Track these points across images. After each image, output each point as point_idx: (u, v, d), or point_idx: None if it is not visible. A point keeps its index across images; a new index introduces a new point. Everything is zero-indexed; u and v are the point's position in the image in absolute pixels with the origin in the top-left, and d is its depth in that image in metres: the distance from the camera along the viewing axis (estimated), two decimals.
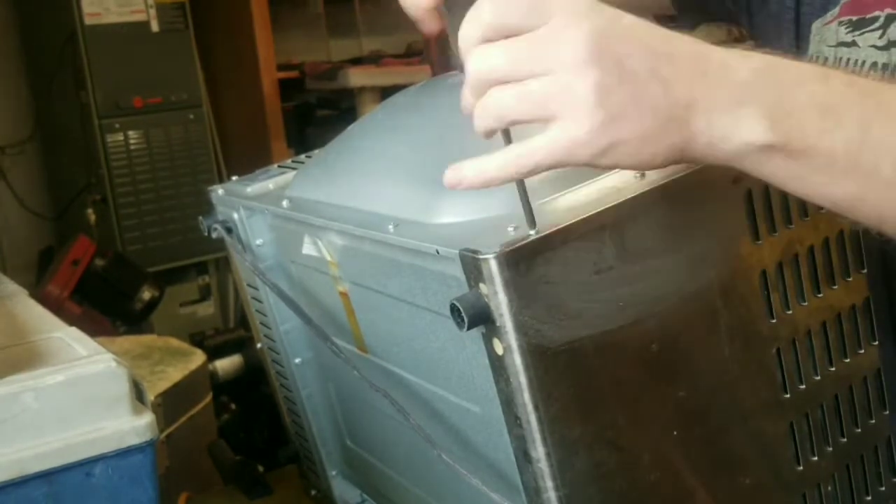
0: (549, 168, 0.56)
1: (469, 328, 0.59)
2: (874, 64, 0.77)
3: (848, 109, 0.57)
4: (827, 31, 0.81)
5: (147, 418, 0.71)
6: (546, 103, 0.54)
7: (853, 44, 0.79)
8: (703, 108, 0.55)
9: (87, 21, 2.83)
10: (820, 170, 0.57)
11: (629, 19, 0.56)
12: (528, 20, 0.54)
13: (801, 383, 0.72)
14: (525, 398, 0.60)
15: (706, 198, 0.67)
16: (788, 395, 0.71)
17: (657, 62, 0.55)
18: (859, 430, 0.75)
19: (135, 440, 0.70)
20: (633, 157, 0.55)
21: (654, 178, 0.64)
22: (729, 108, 0.55)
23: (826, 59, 0.81)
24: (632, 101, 0.54)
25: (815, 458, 0.73)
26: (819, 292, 0.72)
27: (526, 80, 0.54)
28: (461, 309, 0.59)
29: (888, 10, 0.76)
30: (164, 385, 1.40)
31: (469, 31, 0.56)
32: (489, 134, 0.57)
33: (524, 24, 0.54)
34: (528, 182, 0.59)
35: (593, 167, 0.57)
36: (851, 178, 0.57)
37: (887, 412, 0.76)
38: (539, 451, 0.61)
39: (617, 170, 0.64)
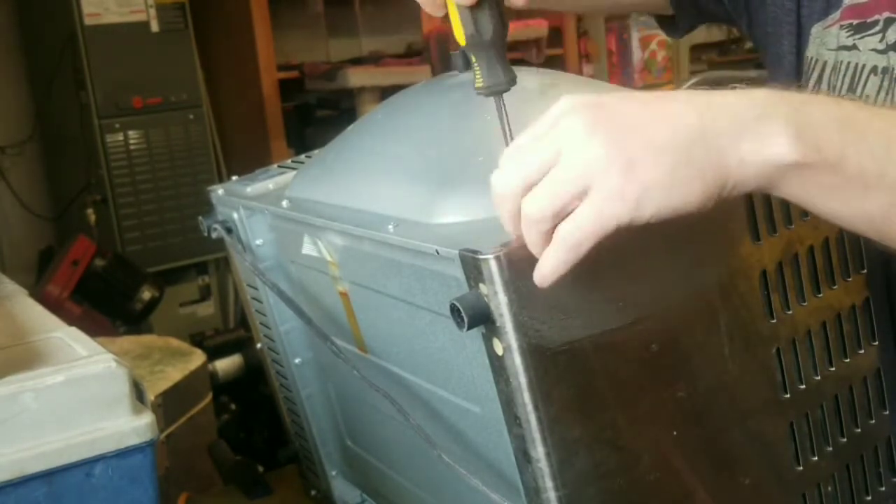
0: (600, 237, 0.56)
1: (469, 328, 0.59)
2: (874, 67, 0.77)
3: (868, 122, 0.57)
4: (827, 34, 0.82)
5: (147, 418, 0.71)
6: (572, 180, 0.55)
7: (854, 47, 0.79)
8: (716, 132, 0.55)
9: (87, 21, 2.83)
10: (852, 182, 0.57)
11: (616, 99, 0.58)
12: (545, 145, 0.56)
13: (801, 383, 0.72)
14: (525, 398, 0.60)
15: None
16: (788, 395, 0.71)
17: (654, 106, 0.56)
18: (859, 430, 0.75)
19: (135, 440, 0.70)
20: (668, 198, 0.55)
21: None
22: (752, 127, 0.56)
23: (826, 62, 0.81)
24: (643, 144, 0.55)
25: (815, 458, 0.73)
26: (819, 292, 0.72)
27: (546, 174, 0.56)
28: (461, 309, 0.59)
29: (887, 14, 0.77)
30: (163, 385, 1.40)
31: (509, 183, 0.57)
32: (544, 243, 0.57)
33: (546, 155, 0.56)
34: None
35: (638, 223, 0.56)
36: (883, 188, 0.57)
37: (887, 412, 0.76)
38: (539, 451, 0.61)
39: None
